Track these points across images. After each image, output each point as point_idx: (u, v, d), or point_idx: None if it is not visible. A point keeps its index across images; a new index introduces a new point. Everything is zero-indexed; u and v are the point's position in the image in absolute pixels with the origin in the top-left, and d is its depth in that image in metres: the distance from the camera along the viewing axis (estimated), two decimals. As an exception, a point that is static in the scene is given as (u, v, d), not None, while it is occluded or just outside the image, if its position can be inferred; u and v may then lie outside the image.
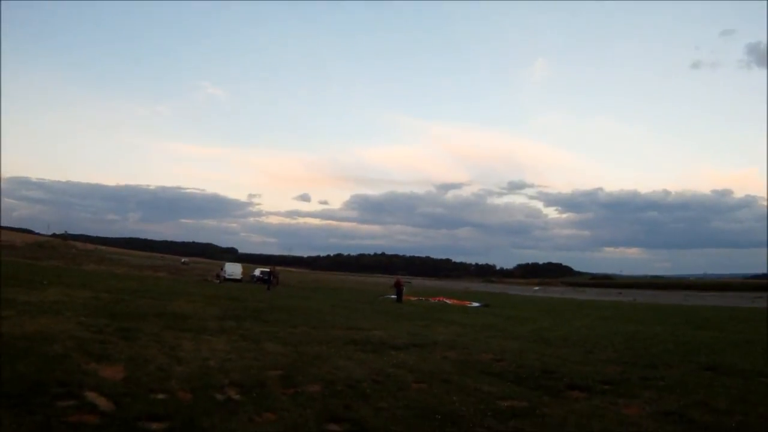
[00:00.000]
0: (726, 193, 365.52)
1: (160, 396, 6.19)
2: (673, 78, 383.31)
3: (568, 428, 6.02)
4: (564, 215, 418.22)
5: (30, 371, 6.63)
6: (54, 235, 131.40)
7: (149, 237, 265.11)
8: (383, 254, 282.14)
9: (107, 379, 6.80)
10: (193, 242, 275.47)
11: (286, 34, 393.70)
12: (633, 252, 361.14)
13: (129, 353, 8.70)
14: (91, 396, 5.89)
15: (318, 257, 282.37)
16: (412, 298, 39.46)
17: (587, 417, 6.50)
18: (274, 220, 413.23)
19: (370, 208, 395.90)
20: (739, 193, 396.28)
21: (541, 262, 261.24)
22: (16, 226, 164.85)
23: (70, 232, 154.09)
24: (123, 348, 9.13)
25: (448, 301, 38.11)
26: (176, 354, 9.06)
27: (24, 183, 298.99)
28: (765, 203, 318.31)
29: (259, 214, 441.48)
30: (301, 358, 9.55)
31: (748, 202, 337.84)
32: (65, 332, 10.10)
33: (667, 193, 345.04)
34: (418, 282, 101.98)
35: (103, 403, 5.69)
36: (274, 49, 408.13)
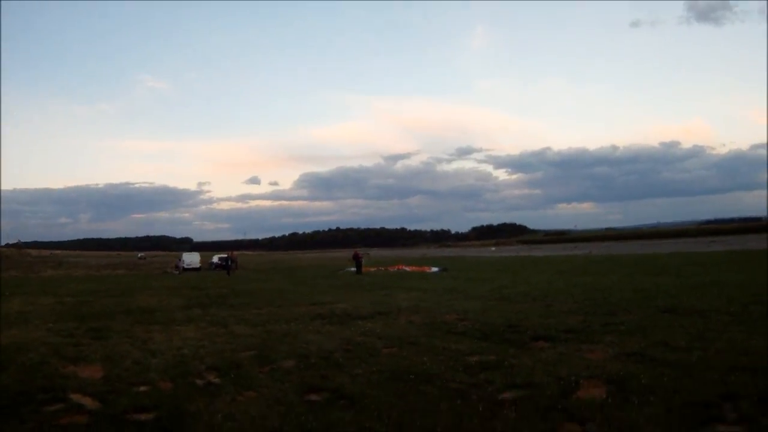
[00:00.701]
0: (673, 144, 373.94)
1: (142, 388, 6.43)
2: (614, 37, 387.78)
3: (537, 376, 6.36)
4: (514, 176, 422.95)
5: (12, 382, 6.81)
6: (7, 245, 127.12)
7: (103, 236, 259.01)
8: (338, 229, 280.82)
9: (87, 379, 7.02)
10: (147, 236, 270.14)
11: (222, 21, 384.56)
12: (586, 207, 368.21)
13: (103, 352, 8.90)
14: (76, 397, 6.12)
15: (273, 238, 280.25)
16: (372, 269, 39.69)
17: (553, 364, 6.91)
18: (225, 206, 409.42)
19: (320, 185, 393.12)
20: (686, 144, 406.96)
21: (495, 224, 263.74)
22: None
23: (23, 240, 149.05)
24: (97, 348, 9.32)
25: (407, 269, 38.43)
26: (149, 347, 9.30)
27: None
28: (712, 152, 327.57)
29: (210, 201, 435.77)
30: (270, 337, 9.88)
31: (695, 152, 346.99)
32: (37, 340, 10.25)
33: (615, 148, 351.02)
34: (375, 253, 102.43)
35: (88, 402, 5.93)
36: (212, 36, 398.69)
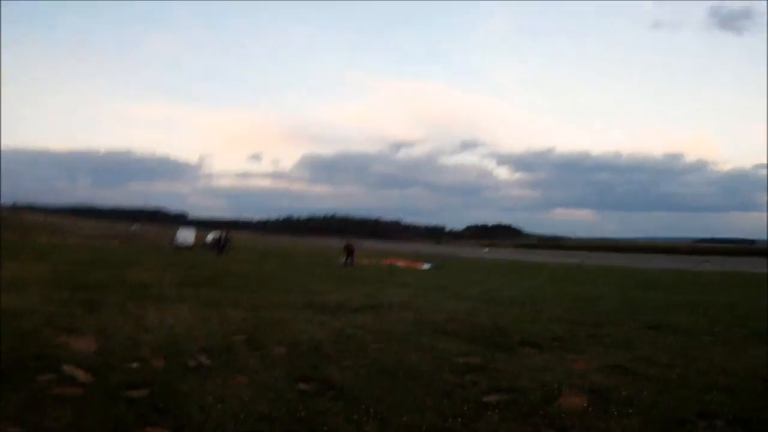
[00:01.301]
0: (677, 156, 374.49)
1: (135, 365, 6.55)
2: (632, 37, 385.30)
3: (521, 381, 6.49)
4: (515, 175, 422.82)
5: (5, 348, 6.88)
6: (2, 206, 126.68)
7: (98, 204, 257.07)
8: (333, 217, 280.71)
9: (80, 351, 7.12)
10: (143, 209, 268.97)
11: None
12: (583, 214, 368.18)
13: (97, 325, 8.99)
14: (69, 369, 6.21)
15: (268, 221, 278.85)
16: (364, 261, 39.86)
17: (538, 370, 7.04)
18: (225, 182, 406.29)
19: (321, 167, 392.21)
20: (690, 157, 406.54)
21: (490, 224, 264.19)
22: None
23: (18, 202, 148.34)
24: (90, 320, 9.42)
25: (399, 263, 38.65)
26: (142, 323, 9.40)
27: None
28: (715, 168, 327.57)
29: (210, 176, 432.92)
30: (263, 323, 9.99)
31: (698, 167, 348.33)
32: (31, 307, 10.31)
33: (619, 155, 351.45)
34: (368, 245, 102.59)
35: (81, 374, 6.03)
36: (222, 4, 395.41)
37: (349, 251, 37.39)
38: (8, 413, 4.84)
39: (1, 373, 5.84)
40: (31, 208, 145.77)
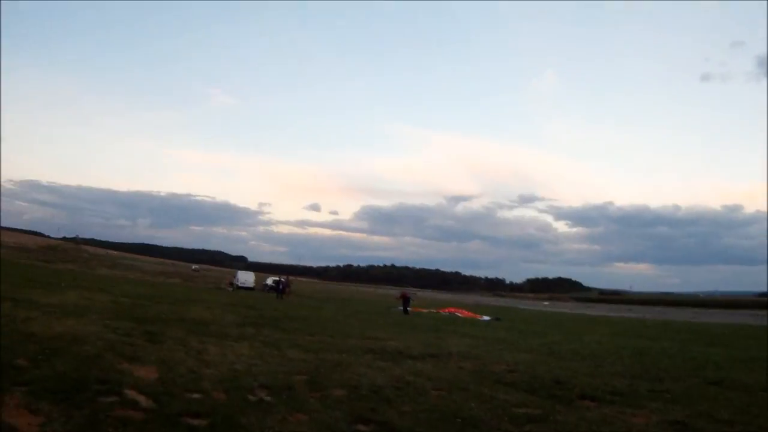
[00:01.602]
0: (736, 208, 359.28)
1: (196, 395, 6.49)
2: (683, 90, 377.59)
3: None
4: (574, 229, 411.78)
5: (68, 369, 6.96)
6: (65, 239, 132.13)
7: (158, 243, 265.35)
8: (393, 266, 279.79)
9: (142, 378, 7.12)
10: (203, 249, 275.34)
11: (298, 44, 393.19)
12: (643, 268, 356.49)
13: (158, 355, 9.01)
14: (131, 393, 6.21)
15: (328, 267, 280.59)
16: (423, 310, 39.50)
17: (597, 424, 6.79)
18: (284, 229, 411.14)
19: (380, 219, 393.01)
20: (749, 209, 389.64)
21: (551, 277, 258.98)
22: (26, 229, 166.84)
23: (81, 236, 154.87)
24: (151, 351, 9.46)
25: (458, 314, 38.07)
26: (203, 358, 9.38)
27: (35, 186, 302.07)
28: None
29: (269, 222, 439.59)
30: (323, 365, 9.82)
31: (758, 218, 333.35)
32: (93, 334, 10.47)
33: (677, 207, 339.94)
34: (427, 294, 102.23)
35: (143, 400, 6.01)
36: (285, 58, 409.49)
37: (405, 300, 37.26)
38: (71, 429, 4.87)
39: (64, 392, 5.86)
40: (93, 243, 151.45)
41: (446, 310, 40.94)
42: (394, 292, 66.54)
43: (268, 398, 6.76)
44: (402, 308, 36.65)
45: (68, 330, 10.47)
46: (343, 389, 7.78)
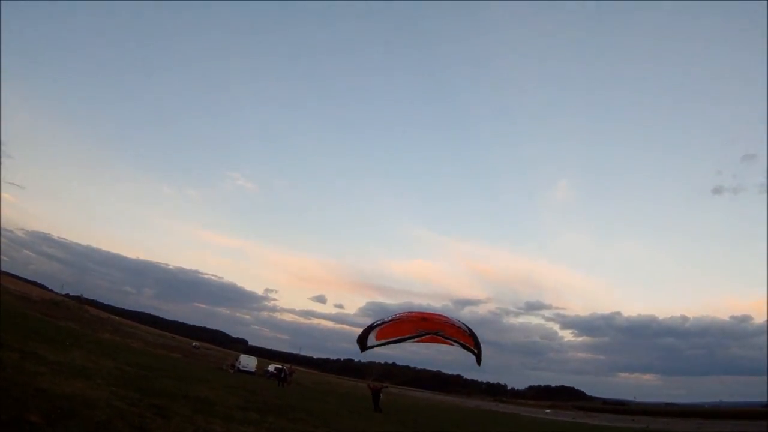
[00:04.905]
0: (745, 319, 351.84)
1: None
2: (694, 202, 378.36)
3: None
4: (580, 338, 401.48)
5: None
6: (68, 296, 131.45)
7: (161, 315, 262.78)
8: (394, 364, 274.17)
9: (154, 452, 6.84)
10: (204, 327, 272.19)
11: (321, 142, 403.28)
12: (648, 378, 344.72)
13: (167, 429, 8.76)
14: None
15: (328, 360, 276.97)
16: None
17: None
18: (287, 317, 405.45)
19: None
20: (758, 319, 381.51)
21: (553, 385, 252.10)
22: (30, 279, 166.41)
23: (85, 296, 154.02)
24: (161, 424, 9.25)
25: None
26: (211, 437, 9.07)
27: (45, 239, 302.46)
28: None
29: (274, 309, 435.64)
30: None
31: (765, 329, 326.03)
32: (102, 399, 10.28)
33: (685, 318, 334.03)
34: (427, 396, 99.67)
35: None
36: (307, 153, 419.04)
37: (375, 394, 31.45)
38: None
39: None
40: (96, 304, 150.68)
41: None
42: (396, 390, 64.22)
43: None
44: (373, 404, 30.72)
45: (78, 392, 10.30)
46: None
